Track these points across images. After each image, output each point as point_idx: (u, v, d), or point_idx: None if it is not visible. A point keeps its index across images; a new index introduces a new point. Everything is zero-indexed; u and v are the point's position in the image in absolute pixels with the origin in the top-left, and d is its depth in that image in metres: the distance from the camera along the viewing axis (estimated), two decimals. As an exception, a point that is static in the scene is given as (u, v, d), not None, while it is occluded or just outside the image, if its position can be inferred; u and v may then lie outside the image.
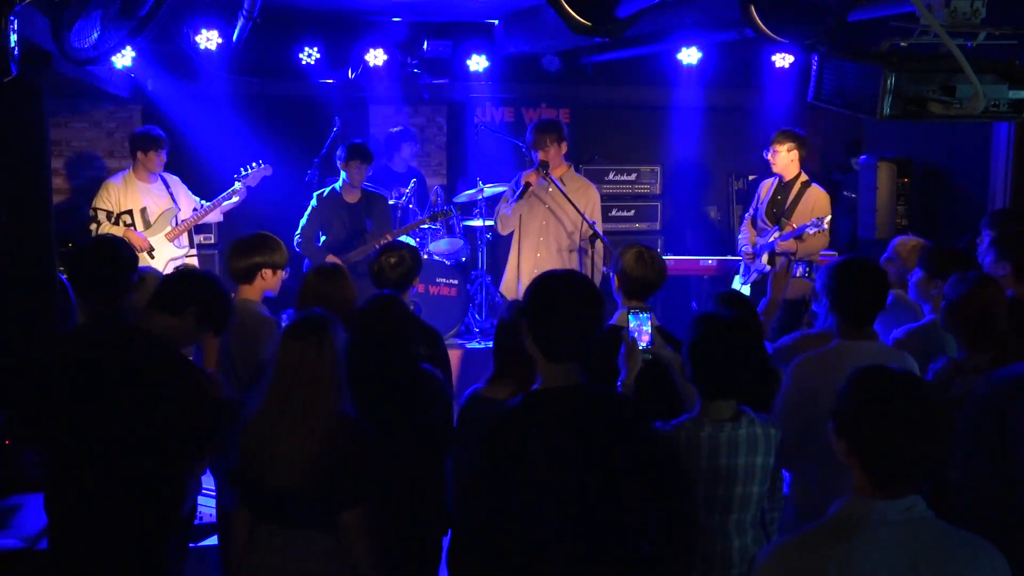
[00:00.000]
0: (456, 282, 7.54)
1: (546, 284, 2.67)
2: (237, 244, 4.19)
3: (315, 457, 2.85)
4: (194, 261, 7.02)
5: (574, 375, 2.63)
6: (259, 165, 6.96)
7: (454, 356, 7.36)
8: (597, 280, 5.84)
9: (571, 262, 6.27)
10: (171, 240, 6.76)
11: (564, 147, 6.22)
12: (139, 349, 3.16)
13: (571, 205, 6.09)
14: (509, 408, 2.61)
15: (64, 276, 4.82)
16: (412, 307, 7.38)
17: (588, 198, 6.22)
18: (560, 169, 6.21)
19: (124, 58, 6.75)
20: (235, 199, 6.89)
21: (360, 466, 2.91)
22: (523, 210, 6.24)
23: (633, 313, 3.29)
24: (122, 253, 3.57)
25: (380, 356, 3.36)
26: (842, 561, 1.94)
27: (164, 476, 3.16)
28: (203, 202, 6.93)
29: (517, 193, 6.15)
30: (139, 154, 6.67)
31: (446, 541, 3.61)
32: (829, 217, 6.25)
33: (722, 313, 3.04)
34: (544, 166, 6.13)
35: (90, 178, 8.55)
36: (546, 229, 6.28)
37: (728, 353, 2.83)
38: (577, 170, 8.71)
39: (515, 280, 6.39)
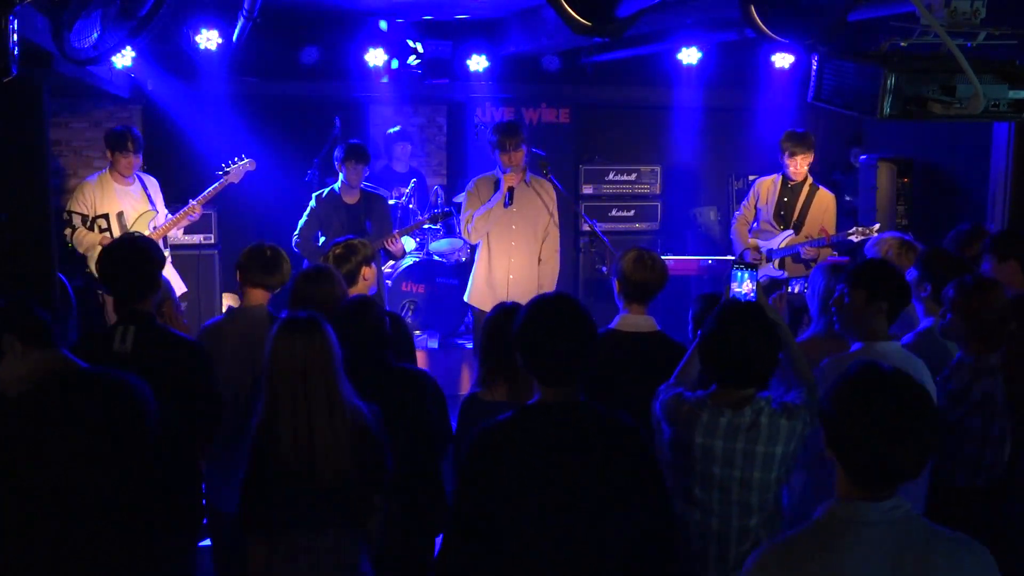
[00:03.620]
0: (456, 282, 7.55)
1: (538, 309, 2.67)
2: (284, 264, 4.15)
3: (351, 447, 2.90)
4: (172, 272, 6.55)
5: (572, 393, 2.63)
6: (241, 159, 6.73)
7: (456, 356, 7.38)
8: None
9: (550, 264, 6.11)
10: None
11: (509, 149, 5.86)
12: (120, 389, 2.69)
13: (543, 208, 5.98)
14: (496, 422, 2.62)
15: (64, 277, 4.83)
16: (413, 306, 7.41)
17: (552, 199, 6.08)
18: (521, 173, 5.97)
19: (124, 58, 6.73)
20: (195, 213, 6.57)
21: (382, 448, 3.00)
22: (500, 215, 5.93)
23: (737, 268, 3.28)
24: (152, 255, 3.63)
25: (355, 360, 3.38)
26: (828, 563, 1.95)
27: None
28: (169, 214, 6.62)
29: (504, 197, 5.86)
30: (113, 154, 6.37)
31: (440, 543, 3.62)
32: (878, 226, 6.19)
33: (740, 303, 3.04)
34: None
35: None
36: (517, 234, 6.03)
37: (740, 343, 2.85)
38: (576, 170, 8.80)
39: (485, 289, 6.11)
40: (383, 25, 7.82)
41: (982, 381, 3.54)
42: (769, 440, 2.85)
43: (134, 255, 3.62)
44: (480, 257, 6.12)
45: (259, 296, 4.11)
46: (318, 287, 3.80)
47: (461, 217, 6.03)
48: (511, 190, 5.87)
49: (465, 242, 7.87)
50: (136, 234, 5.49)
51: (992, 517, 3.53)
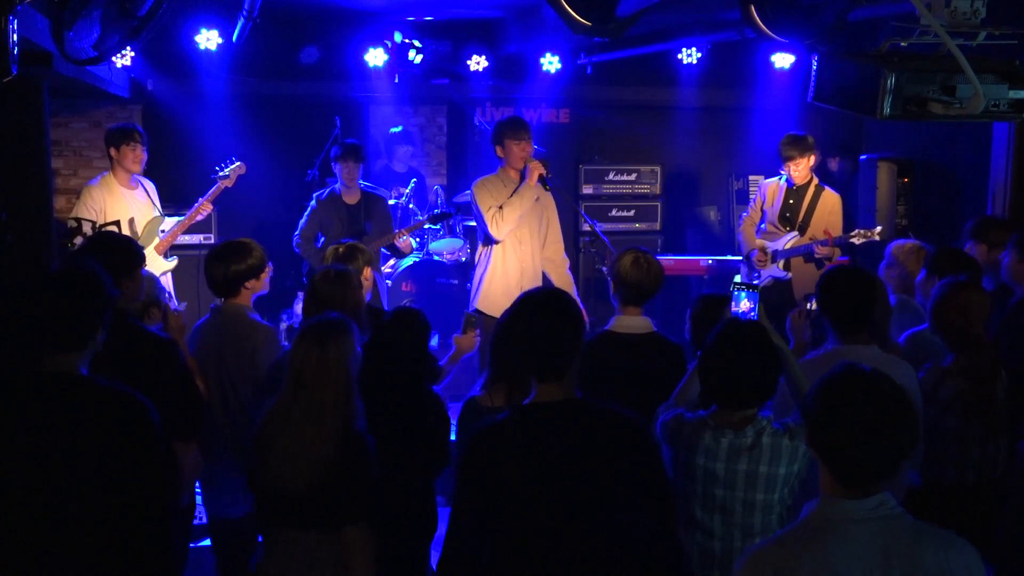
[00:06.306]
0: (456, 282, 7.55)
1: (530, 304, 2.64)
2: (211, 257, 4.04)
3: (319, 463, 2.82)
4: (169, 283, 6.27)
5: (566, 390, 2.59)
6: (232, 162, 6.53)
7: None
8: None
9: (562, 266, 5.91)
10: (161, 253, 6.20)
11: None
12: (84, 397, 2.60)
13: (541, 206, 5.72)
14: (493, 422, 2.58)
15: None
16: (411, 304, 7.40)
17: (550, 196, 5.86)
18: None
19: (124, 58, 6.74)
20: (201, 214, 6.41)
21: (363, 484, 2.87)
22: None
23: (737, 289, 3.26)
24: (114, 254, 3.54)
25: (396, 371, 3.36)
26: (816, 560, 1.99)
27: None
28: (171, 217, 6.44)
29: (544, 181, 5.62)
30: (112, 151, 6.03)
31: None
32: (879, 228, 6.20)
33: (740, 322, 3.01)
34: (545, 164, 6.05)
35: (90, 178, 8.55)
36: (524, 233, 5.76)
37: (740, 363, 2.82)
38: (576, 170, 8.81)
39: (503, 296, 5.54)
40: (397, 37, 7.80)
41: (948, 382, 3.58)
42: (771, 460, 2.82)
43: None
44: (492, 260, 5.77)
45: (237, 298, 4.04)
46: (337, 289, 3.71)
47: (484, 215, 5.62)
48: (542, 177, 5.63)
49: (465, 242, 7.88)
50: (104, 232, 5.29)
51: (982, 514, 3.54)
